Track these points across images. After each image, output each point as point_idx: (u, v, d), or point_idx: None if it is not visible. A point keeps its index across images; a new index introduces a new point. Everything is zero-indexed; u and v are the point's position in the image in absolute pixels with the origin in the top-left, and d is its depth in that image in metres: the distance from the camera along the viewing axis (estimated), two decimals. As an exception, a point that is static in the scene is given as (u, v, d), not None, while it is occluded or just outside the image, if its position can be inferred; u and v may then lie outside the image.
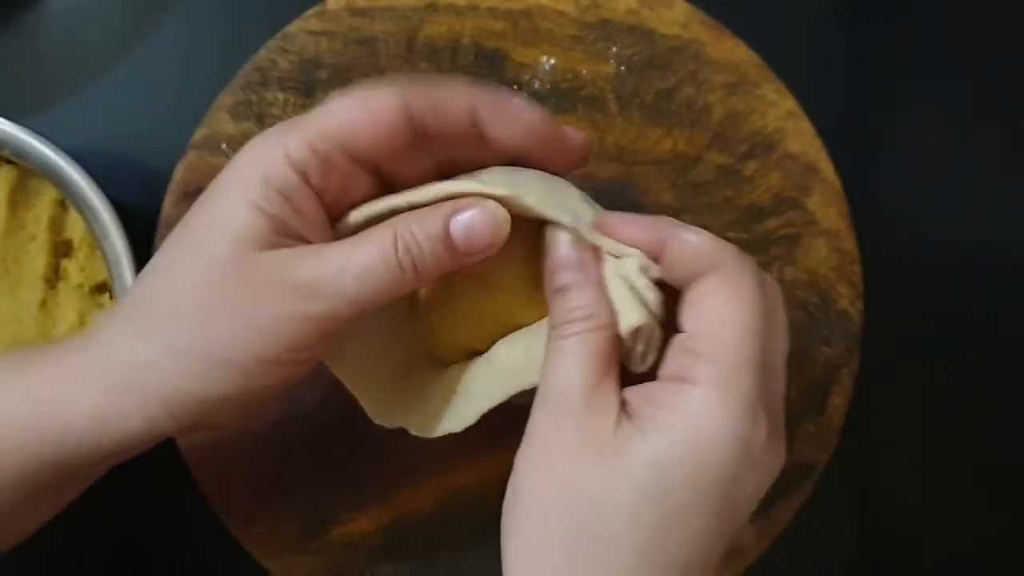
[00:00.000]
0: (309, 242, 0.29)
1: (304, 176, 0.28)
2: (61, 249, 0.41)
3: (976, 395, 0.44)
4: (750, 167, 0.42)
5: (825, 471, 0.42)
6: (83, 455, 0.29)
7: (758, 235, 0.42)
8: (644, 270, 0.29)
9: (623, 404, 0.28)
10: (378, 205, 0.30)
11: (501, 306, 0.32)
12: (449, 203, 0.29)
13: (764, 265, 0.42)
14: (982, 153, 0.44)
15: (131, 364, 0.29)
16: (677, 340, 0.29)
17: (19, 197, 0.41)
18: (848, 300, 0.42)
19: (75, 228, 0.41)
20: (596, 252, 0.30)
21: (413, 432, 0.33)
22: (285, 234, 0.29)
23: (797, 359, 0.42)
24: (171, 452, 0.41)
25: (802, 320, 0.42)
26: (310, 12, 0.42)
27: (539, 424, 0.29)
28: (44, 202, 0.41)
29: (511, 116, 0.30)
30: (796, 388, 0.42)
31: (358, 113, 0.28)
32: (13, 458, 0.29)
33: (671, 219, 0.30)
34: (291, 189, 0.28)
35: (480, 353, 0.33)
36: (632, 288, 0.29)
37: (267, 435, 0.42)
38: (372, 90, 0.28)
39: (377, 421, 0.33)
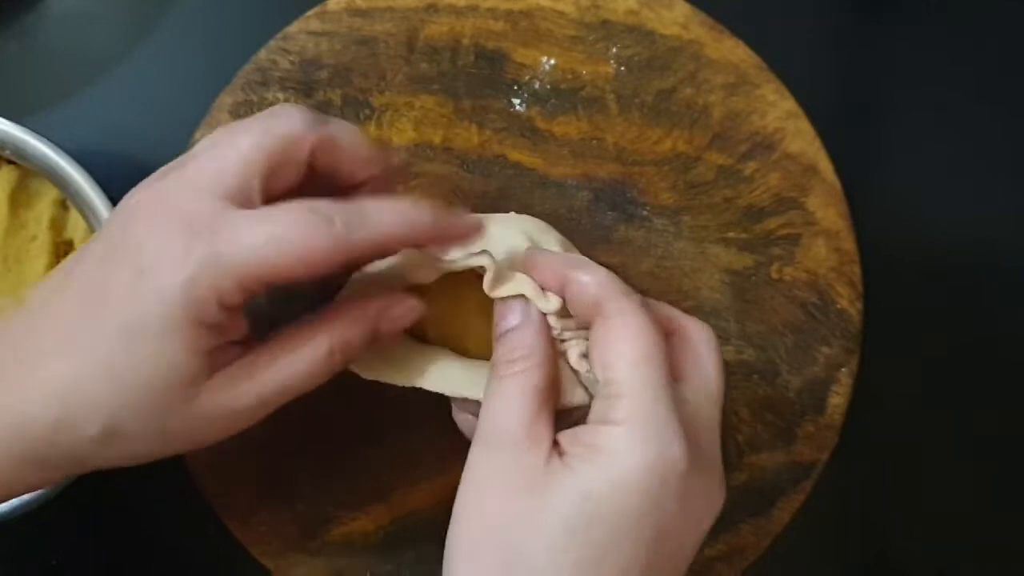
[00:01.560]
0: (234, 341, 0.30)
1: (229, 310, 0.29)
2: (62, 249, 0.41)
3: (976, 395, 0.44)
4: (750, 167, 0.42)
5: (825, 471, 0.42)
6: None
7: (758, 235, 0.42)
8: (584, 356, 0.31)
9: (555, 444, 0.29)
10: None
11: (465, 324, 0.35)
12: (375, 305, 0.32)
13: (764, 265, 0.42)
14: (982, 153, 0.44)
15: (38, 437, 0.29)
16: (599, 388, 0.30)
17: (20, 197, 0.41)
18: (848, 300, 0.42)
19: (76, 228, 0.41)
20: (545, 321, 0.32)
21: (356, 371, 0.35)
22: (218, 354, 0.29)
23: (797, 359, 0.42)
24: (171, 452, 0.41)
25: (802, 320, 0.42)
26: (310, 12, 0.42)
27: (476, 460, 0.30)
28: (45, 202, 0.41)
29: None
30: (796, 388, 0.42)
31: (294, 253, 0.28)
32: None
33: (577, 259, 0.32)
34: (221, 324, 0.29)
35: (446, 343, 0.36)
36: (575, 371, 0.32)
37: (267, 435, 0.42)
38: (305, 223, 0.28)
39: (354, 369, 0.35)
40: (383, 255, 0.31)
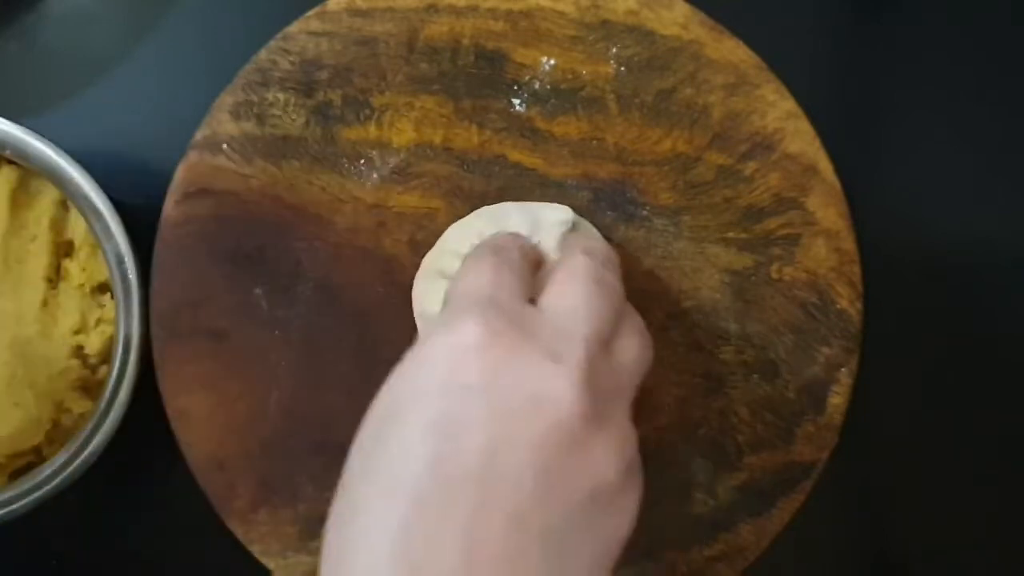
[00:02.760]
0: None
1: None
2: (62, 249, 0.41)
3: (976, 395, 0.44)
4: (750, 167, 0.42)
5: (825, 471, 0.42)
6: None
7: (758, 235, 0.42)
8: None
9: None
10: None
11: None
12: None
13: (764, 265, 0.42)
14: (982, 153, 0.44)
15: None
16: None
17: (20, 197, 0.41)
18: (848, 300, 0.42)
19: (76, 228, 0.41)
20: None
21: None
22: None
23: (796, 359, 0.42)
24: (171, 451, 0.41)
25: (802, 320, 0.42)
26: (311, 13, 0.42)
27: None
28: (45, 202, 0.41)
29: None
30: (796, 388, 0.42)
31: None
32: None
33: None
34: None
35: None
36: None
37: (267, 435, 0.42)
38: None
39: None
40: None
